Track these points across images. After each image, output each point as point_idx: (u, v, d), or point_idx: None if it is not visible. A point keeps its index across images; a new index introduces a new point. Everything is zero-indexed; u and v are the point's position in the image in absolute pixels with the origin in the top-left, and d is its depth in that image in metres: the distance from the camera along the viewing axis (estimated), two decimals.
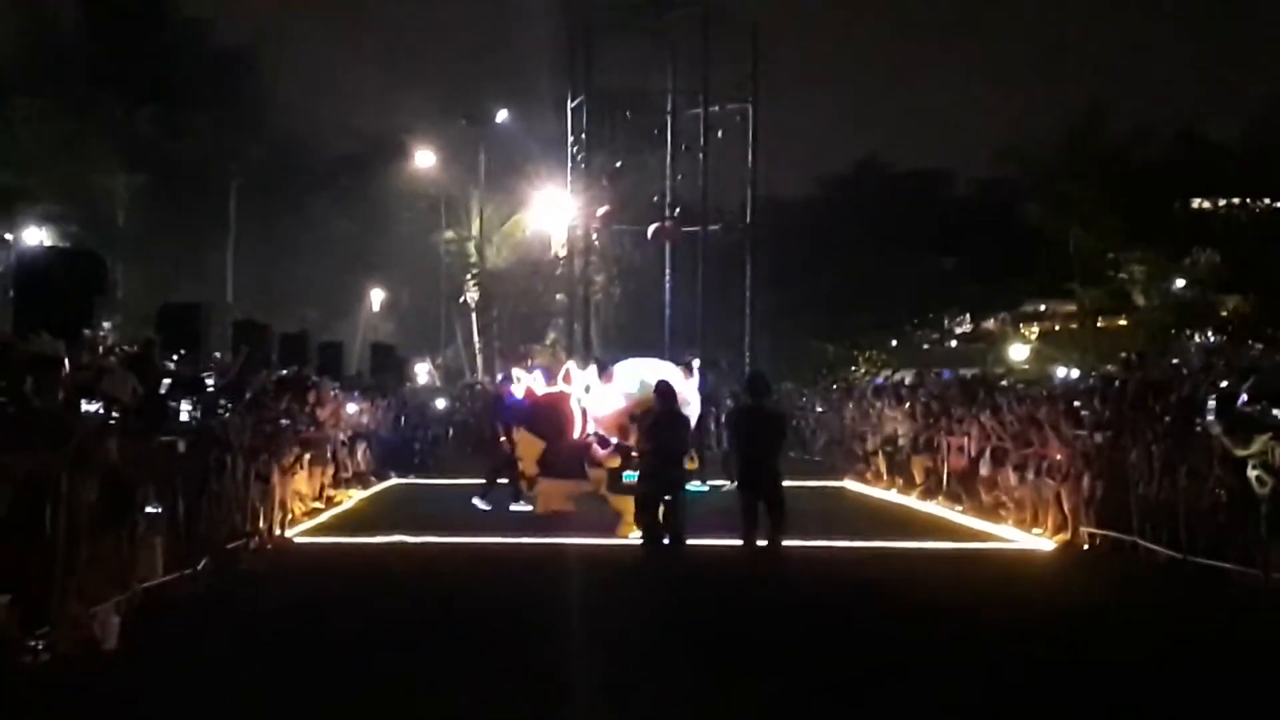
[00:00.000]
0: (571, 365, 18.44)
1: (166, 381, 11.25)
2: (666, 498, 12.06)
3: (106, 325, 26.28)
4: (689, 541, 12.24)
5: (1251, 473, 11.24)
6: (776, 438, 11.95)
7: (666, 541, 12.04)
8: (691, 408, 15.74)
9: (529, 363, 35.77)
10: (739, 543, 11.27)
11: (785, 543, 11.36)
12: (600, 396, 16.33)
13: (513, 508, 17.68)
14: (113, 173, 42.75)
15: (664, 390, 12.57)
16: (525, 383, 18.30)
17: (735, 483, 11.41)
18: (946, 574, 13.00)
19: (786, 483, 11.59)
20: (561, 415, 16.98)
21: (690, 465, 13.87)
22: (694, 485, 14.21)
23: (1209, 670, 8.48)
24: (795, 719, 7.38)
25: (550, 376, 18.31)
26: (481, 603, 10.87)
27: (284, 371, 17.52)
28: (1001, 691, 7.91)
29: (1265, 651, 9.06)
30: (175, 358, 13.06)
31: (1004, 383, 22.46)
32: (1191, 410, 12.59)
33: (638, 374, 15.93)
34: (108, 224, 42.76)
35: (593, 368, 17.40)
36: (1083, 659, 8.84)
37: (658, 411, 12.43)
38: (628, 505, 13.94)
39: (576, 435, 16.84)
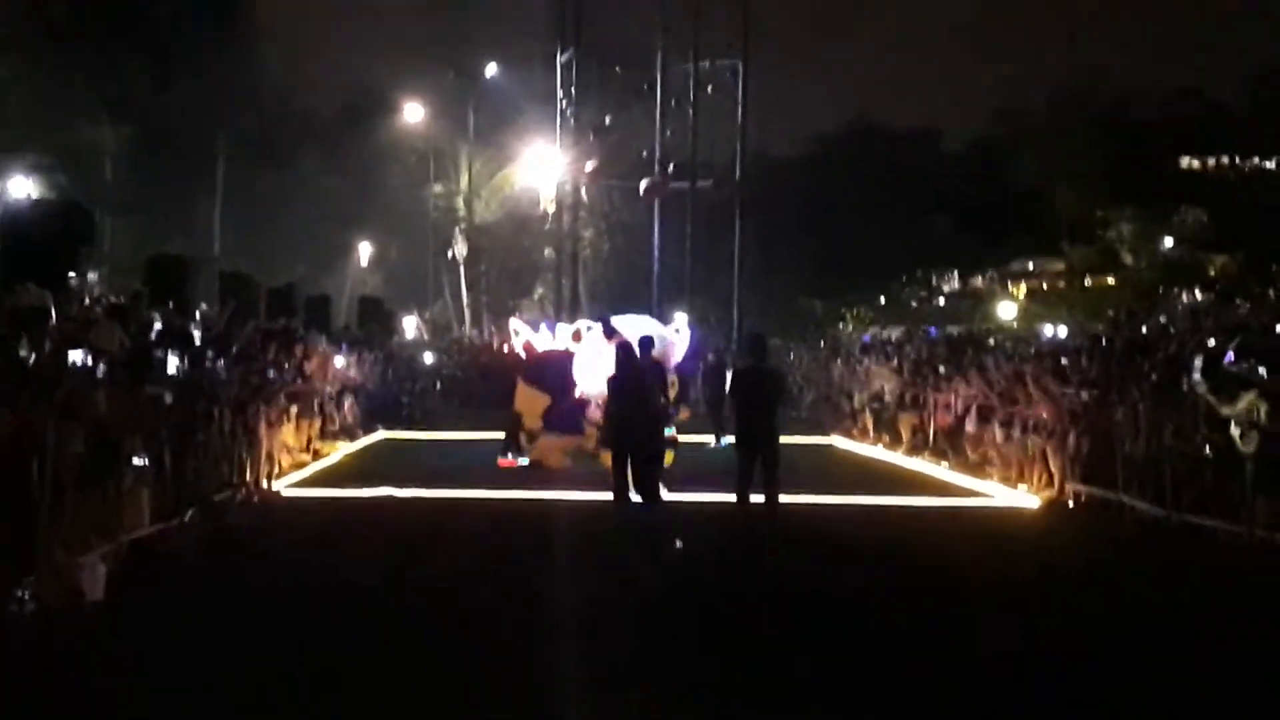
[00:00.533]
0: (583, 324, 18.33)
1: (157, 327, 11.22)
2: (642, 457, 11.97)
3: (93, 276, 26.19)
4: (678, 498, 12.21)
5: (1235, 430, 11.30)
6: (776, 397, 11.98)
7: (638, 499, 11.93)
8: (670, 364, 15.72)
9: (520, 316, 35.74)
10: (732, 498, 11.29)
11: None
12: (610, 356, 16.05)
13: (501, 462, 17.69)
14: (100, 125, 42.46)
15: (625, 349, 12.30)
16: (524, 336, 18.27)
17: (718, 441, 11.38)
18: (932, 530, 13.04)
19: None
20: (568, 372, 17.05)
21: (684, 415, 13.76)
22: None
23: (1194, 626, 8.53)
24: (781, 675, 7.42)
25: (553, 329, 18.29)
26: (469, 556, 10.89)
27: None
28: (986, 648, 7.95)
29: (1250, 608, 9.11)
30: (169, 306, 13.02)
31: (991, 340, 22.53)
32: (1178, 369, 12.64)
33: (641, 331, 15.66)
34: (95, 176, 42.53)
35: (597, 328, 17.23)
36: (1068, 615, 8.88)
37: (624, 371, 12.21)
38: None
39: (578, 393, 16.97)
